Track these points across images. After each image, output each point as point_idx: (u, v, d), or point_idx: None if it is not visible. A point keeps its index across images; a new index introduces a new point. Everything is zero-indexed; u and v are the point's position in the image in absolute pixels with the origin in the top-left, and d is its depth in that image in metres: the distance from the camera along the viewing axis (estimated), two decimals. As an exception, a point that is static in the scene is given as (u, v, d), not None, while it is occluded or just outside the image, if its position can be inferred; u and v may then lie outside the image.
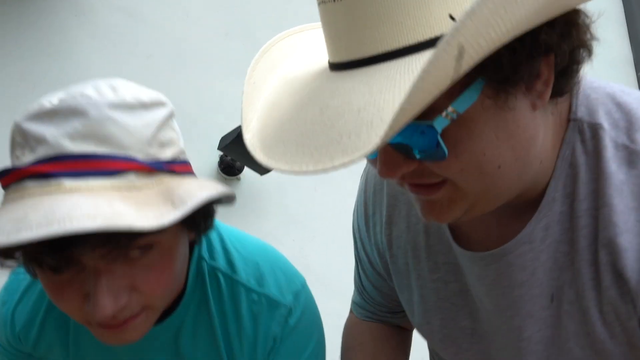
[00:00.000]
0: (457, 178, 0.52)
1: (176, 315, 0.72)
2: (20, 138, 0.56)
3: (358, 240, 0.85)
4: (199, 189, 0.56)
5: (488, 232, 0.65)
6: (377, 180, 0.78)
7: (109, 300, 0.56)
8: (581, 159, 0.58)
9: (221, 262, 0.74)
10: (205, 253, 0.73)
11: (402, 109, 0.40)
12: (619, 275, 0.56)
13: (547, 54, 0.50)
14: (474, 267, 0.66)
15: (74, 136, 0.54)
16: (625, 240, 0.55)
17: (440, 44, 0.39)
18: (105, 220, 0.49)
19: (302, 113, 0.49)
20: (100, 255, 0.55)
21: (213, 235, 0.76)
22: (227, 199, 0.63)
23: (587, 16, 0.52)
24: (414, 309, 0.77)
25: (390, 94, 0.43)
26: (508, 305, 0.64)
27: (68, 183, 0.53)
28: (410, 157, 0.51)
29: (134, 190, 0.55)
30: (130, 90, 0.58)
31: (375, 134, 0.42)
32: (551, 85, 0.52)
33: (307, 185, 2.16)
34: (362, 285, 0.88)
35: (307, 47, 0.62)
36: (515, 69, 0.48)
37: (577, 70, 0.54)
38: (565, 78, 0.53)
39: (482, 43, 0.41)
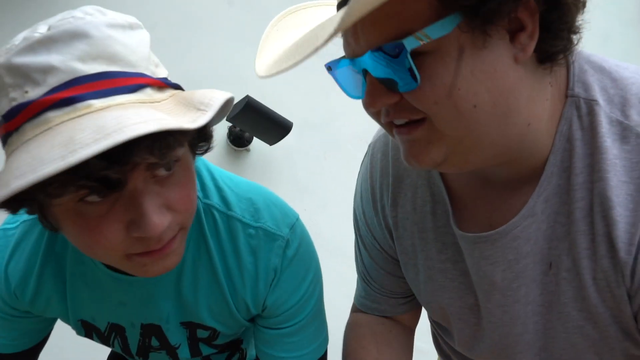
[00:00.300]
0: (433, 113, 0.54)
1: None
2: (13, 77, 0.52)
3: (363, 226, 0.86)
4: (211, 93, 0.56)
5: (490, 211, 0.67)
6: (383, 164, 0.80)
7: (158, 217, 0.56)
8: (577, 134, 0.60)
9: (215, 200, 0.74)
10: (198, 192, 0.73)
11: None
12: (611, 245, 0.58)
13: None
14: (477, 248, 0.68)
15: (84, 58, 0.52)
16: (617, 213, 0.57)
17: None
18: (158, 123, 0.48)
19: (299, 31, 0.59)
20: (147, 175, 0.55)
21: (204, 175, 0.75)
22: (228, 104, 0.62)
23: None
24: (421, 288, 0.79)
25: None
26: (515, 276, 0.66)
27: (97, 103, 0.51)
28: (392, 90, 0.56)
29: (154, 103, 0.55)
30: (114, 13, 0.57)
31: (332, 29, 0.47)
32: (535, 40, 0.54)
33: (316, 154, 2.15)
34: (368, 273, 0.89)
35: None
36: (491, 7, 0.50)
37: (564, 29, 0.55)
38: (551, 36, 0.55)
39: None
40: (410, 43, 0.51)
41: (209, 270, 0.73)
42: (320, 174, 2.13)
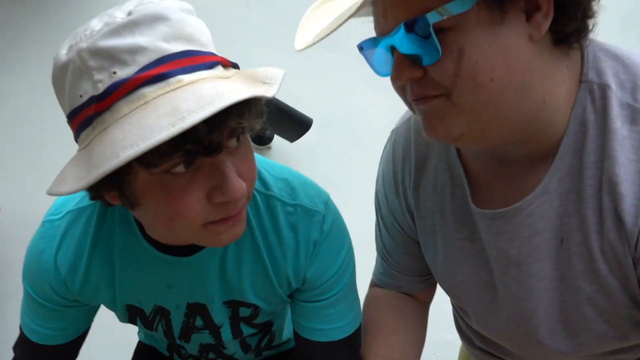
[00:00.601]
0: (453, 86, 0.59)
1: None
2: (98, 60, 0.55)
3: (385, 207, 0.90)
4: (271, 69, 0.61)
5: (507, 189, 0.71)
6: (405, 149, 0.84)
7: (238, 182, 0.61)
8: (591, 117, 0.63)
9: None
10: None
11: None
12: (618, 219, 0.62)
13: None
14: (494, 224, 0.71)
15: (167, 38, 0.57)
16: (624, 188, 0.61)
17: None
18: (248, 91, 0.54)
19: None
20: (227, 147, 0.60)
21: None
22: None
23: None
24: (438, 266, 0.83)
25: None
26: (529, 252, 0.70)
27: (186, 78, 0.56)
28: (417, 65, 0.60)
29: (227, 79, 0.59)
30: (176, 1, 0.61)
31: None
32: (550, 19, 0.58)
33: (337, 150, 2.16)
34: (387, 251, 0.93)
35: None
36: None
37: (578, 11, 0.59)
38: (565, 17, 0.59)
39: None
40: (432, 17, 0.56)
41: (251, 248, 0.77)
42: (342, 169, 2.13)
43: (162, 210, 0.61)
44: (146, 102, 0.54)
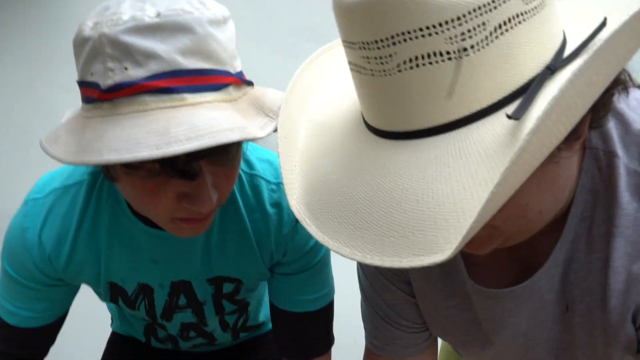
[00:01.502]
0: (500, 225, 0.51)
1: None
2: (115, 50, 0.56)
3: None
4: (278, 98, 0.63)
5: (508, 264, 0.66)
6: None
7: (209, 198, 0.63)
8: (600, 187, 0.58)
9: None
10: None
11: (474, 223, 0.39)
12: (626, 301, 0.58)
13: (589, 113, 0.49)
14: (500, 302, 0.66)
15: (185, 52, 0.57)
16: (638, 268, 0.57)
17: (529, 132, 0.38)
18: (241, 133, 0.55)
19: (351, 188, 0.47)
20: (212, 161, 0.61)
21: None
22: None
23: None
24: (431, 325, 0.78)
25: (447, 186, 0.42)
26: (538, 322, 0.66)
27: (190, 97, 0.57)
28: None
29: (233, 102, 0.60)
30: (214, 5, 0.61)
31: (442, 237, 0.41)
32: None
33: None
34: (385, 314, 0.81)
35: (328, 74, 0.62)
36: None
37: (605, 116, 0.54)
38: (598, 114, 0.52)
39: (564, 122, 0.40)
40: None
41: (237, 224, 0.80)
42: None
43: (134, 196, 0.65)
44: (145, 110, 0.56)
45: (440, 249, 0.41)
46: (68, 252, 0.78)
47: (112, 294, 0.85)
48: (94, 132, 0.56)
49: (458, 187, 0.42)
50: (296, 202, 0.51)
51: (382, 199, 0.45)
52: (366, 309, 0.81)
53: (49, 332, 0.86)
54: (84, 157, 0.55)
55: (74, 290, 0.87)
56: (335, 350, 0.93)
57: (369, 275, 0.79)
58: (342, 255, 0.45)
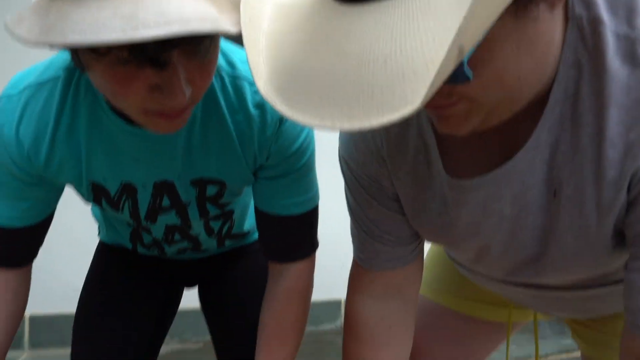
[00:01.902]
0: (478, 94, 0.51)
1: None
2: None
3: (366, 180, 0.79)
4: None
5: (489, 150, 0.65)
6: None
7: (181, 92, 0.61)
8: (584, 59, 0.56)
9: (221, 62, 0.79)
10: None
11: (441, 67, 0.38)
12: (626, 170, 0.57)
13: None
14: (482, 189, 0.66)
15: None
16: (635, 134, 0.55)
17: None
18: (213, 24, 0.52)
19: (317, 59, 0.46)
20: (185, 52, 0.59)
21: None
22: None
23: None
24: (418, 227, 0.78)
25: (416, 40, 0.40)
26: (522, 206, 0.66)
27: None
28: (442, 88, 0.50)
29: None
30: None
31: (410, 90, 0.39)
32: None
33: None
34: (372, 224, 0.82)
35: None
36: None
37: None
38: None
39: None
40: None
41: (219, 125, 0.79)
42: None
43: (105, 85, 0.62)
44: None
45: (410, 101, 0.39)
46: (47, 149, 0.77)
47: (94, 194, 0.85)
48: (58, 13, 0.54)
49: (427, 38, 0.40)
50: (264, 84, 0.49)
51: (348, 63, 0.43)
52: (352, 223, 0.84)
53: (34, 233, 0.86)
54: (47, 38, 0.52)
55: (58, 191, 0.87)
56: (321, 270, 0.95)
57: (353, 191, 0.80)
58: (314, 126, 0.44)
